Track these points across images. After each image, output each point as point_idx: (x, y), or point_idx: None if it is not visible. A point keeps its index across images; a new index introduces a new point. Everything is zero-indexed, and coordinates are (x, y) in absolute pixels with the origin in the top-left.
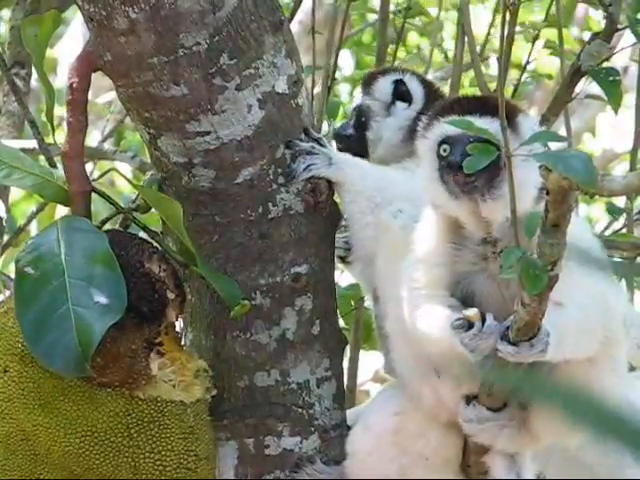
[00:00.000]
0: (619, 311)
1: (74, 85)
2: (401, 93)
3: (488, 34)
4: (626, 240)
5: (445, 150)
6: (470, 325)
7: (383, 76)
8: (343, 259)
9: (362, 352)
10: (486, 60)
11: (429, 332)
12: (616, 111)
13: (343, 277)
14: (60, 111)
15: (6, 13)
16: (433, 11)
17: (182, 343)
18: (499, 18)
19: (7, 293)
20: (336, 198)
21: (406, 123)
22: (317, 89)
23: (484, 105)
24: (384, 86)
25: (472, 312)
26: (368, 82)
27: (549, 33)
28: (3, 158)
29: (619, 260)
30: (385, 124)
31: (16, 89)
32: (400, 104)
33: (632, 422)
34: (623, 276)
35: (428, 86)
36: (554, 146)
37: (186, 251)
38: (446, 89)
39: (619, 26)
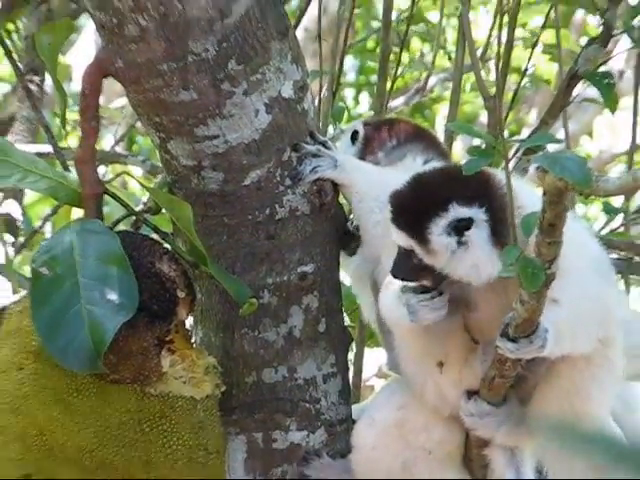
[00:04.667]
0: (617, 313)
1: (86, 91)
2: (355, 140)
3: (489, 38)
4: (623, 239)
5: None
6: (424, 291)
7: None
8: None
9: (367, 349)
10: (487, 62)
11: (387, 295)
12: (613, 111)
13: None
14: (75, 115)
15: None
16: (434, 18)
17: (192, 341)
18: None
19: (23, 293)
20: (340, 199)
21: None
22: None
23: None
24: (345, 139)
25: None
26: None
27: (548, 37)
28: (18, 162)
29: (617, 259)
30: None
31: (30, 95)
32: (349, 148)
33: None
34: (620, 274)
35: (368, 127)
36: (551, 148)
37: (196, 251)
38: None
39: (615, 32)
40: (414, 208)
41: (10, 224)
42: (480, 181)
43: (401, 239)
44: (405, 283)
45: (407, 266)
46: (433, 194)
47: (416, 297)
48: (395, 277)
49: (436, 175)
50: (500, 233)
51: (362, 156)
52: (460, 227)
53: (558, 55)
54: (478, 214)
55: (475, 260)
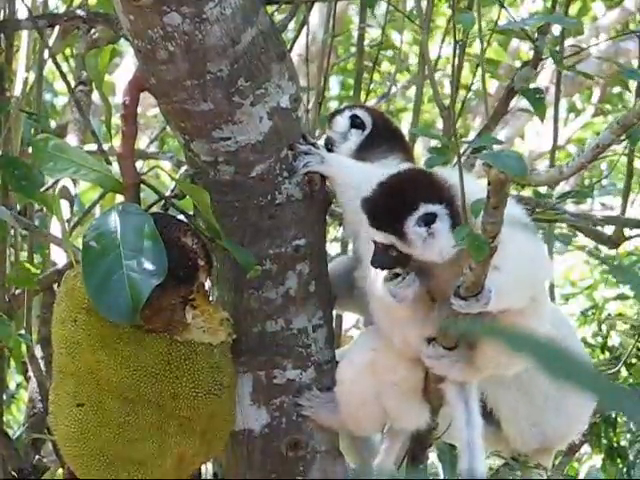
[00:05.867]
0: (544, 277)
1: (127, 102)
2: (356, 124)
3: (437, 59)
4: (547, 218)
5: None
6: (397, 276)
7: (339, 114)
8: None
9: None
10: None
11: (377, 286)
12: (542, 120)
13: (332, 247)
14: (118, 121)
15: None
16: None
17: (210, 299)
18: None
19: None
20: (327, 187)
21: (359, 143)
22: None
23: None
24: (340, 121)
25: (400, 270)
26: (330, 120)
27: (490, 54)
28: (73, 158)
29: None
30: (342, 147)
31: (80, 107)
32: (355, 131)
33: (560, 351)
34: (545, 243)
35: (374, 114)
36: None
37: (212, 229)
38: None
39: (543, 56)
40: (391, 210)
41: (66, 193)
42: (438, 184)
43: (381, 237)
44: (385, 275)
45: (384, 258)
46: (405, 197)
47: (393, 283)
48: (375, 267)
49: (404, 181)
50: (456, 223)
51: (370, 141)
52: (428, 220)
53: (482, 82)
54: (440, 210)
55: (441, 245)
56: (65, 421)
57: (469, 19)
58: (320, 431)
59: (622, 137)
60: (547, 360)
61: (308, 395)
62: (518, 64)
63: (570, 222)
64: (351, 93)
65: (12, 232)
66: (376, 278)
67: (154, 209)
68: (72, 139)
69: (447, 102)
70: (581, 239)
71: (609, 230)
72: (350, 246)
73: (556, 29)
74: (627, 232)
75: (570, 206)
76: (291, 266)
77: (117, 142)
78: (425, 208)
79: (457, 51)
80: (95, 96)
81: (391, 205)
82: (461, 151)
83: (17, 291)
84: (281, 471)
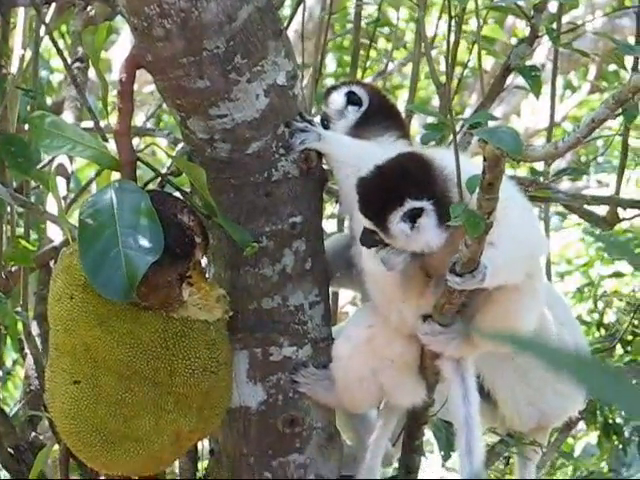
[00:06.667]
0: (539, 253)
1: (123, 79)
2: (353, 100)
3: (434, 38)
4: (544, 195)
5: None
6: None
7: (335, 90)
8: None
9: None
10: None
11: (368, 257)
12: (537, 97)
13: (328, 225)
14: (114, 99)
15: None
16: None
17: (206, 276)
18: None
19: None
20: (323, 165)
21: (356, 120)
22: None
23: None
24: (336, 98)
25: None
26: (326, 96)
27: (487, 32)
28: (69, 135)
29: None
30: (338, 124)
31: (77, 84)
32: (351, 107)
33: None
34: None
35: (371, 90)
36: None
37: (209, 206)
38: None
39: (539, 34)
40: (377, 203)
41: (63, 170)
42: (431, 176)
43: (367, 224)
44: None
45: (372, 239)
46: (392, 191)
47: (385, 250)
48: (362, 245)
49: (395, 172)
50: (444, 215)
51: (366, 118)
52: (413, 215)
53: (478, 59)
54: (427, 205)
55: (427, 239)
56: (61, 398)
57: None
58: (316, 408)
59: (617, 112)
60: (540, 354)
61: (304, 372)
62: (514, 41)
63: (563, 202)
64: (348, 70)
65: (8, 209)
66: (367, 252)
67: (150, 186)
68: (68, 116)
69: (443, 79)
70: (576, 218)
71: (603, 210)
72: (346, 223)
73: (552, 6)
74: (621, 212)
75: (566, 183)
76: (287, 243)
77: (113, 119)
78: (411, 204)
79: (453, 27)
80: (91, 73)
81: (378, 197)
82: (457, 128)
83: (13, 268)
84: (277, 448)
